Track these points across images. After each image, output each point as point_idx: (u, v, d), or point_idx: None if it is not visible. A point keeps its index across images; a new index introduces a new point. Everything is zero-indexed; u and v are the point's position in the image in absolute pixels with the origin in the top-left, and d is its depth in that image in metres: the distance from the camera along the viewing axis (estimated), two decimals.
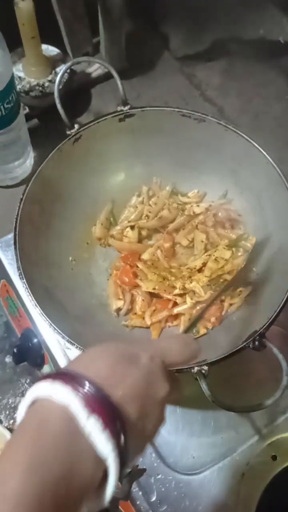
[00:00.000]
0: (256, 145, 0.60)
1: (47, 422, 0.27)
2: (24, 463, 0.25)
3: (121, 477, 0.28)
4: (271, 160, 0.59)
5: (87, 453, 0.27)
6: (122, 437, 0.28)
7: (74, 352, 0.51)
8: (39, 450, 0.26)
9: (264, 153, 0.59)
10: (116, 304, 0.64)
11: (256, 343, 0.51)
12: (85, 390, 0.28)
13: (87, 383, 0.28)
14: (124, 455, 0.28)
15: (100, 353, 0.33)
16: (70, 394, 0.28)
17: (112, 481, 0.28)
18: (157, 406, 0.32)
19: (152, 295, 0.64)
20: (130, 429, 0.29)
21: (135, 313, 0.64)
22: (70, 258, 0.64)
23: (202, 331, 0.61)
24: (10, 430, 0.74)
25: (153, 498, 0.58)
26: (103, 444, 0.27)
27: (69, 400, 0.28)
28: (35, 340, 0.64)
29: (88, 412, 0.27)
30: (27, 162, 0.79)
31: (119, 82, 0.62)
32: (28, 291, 0.53)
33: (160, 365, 0.34)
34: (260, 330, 0.51)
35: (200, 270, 0.63)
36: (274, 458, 0.60)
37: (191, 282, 0.62)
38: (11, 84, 0.64)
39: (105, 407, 0.28)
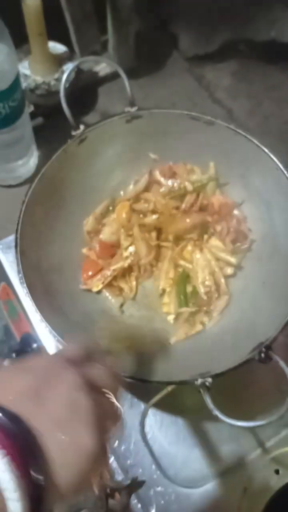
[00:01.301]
0: (265, 150, 0.58)
1: None
2: None
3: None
4: (280, 165, 0.58)
5: None
6: (35, 467, 0.24)
7: None
8: None
9: (273, 158, 0.58)
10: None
11: (262, 355, 0.49)
12: None
13: None
14: (36, 490, 0.24)
15: (19, 371, 0.29)
16: None
17: None
18: (85, 432, 0.27)
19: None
20: (49, 461, 0.24)
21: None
22: (71, 263, 0.63)
23: (198, 327, 0.60)
24: None
25: (152, 511, 0.56)
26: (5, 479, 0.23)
27: None
28: (34, 345, 0.63)
29: None
30: (31, 161, 0.77)
31: (126, 83, 0.61)
32: (28, 296, 0.51)
33: (57, 361, 0.30)
34: (266, 342, 0.50)
35: None
36: (277, 472, 0.59)
37: None
38: (16, 82, 0.63)
39: (15, 437, 0.24)
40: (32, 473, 0.23)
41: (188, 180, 0.65)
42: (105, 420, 0.29)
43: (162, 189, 0.66)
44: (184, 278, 0.63)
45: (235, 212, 0.65)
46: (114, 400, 0.31)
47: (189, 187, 0.64)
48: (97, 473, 0.28)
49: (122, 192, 0.68)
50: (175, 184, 0.65)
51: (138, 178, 0.67)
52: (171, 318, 0.62)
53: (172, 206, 0.64)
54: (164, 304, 0.63)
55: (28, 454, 0.24)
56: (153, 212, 0.64)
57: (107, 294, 0.63)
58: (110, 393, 0.31)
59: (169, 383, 0.50)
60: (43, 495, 0.24)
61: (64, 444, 0.25)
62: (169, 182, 0.66)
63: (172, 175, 0.66)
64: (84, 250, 0.65)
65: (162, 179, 0.66)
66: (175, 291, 0.62)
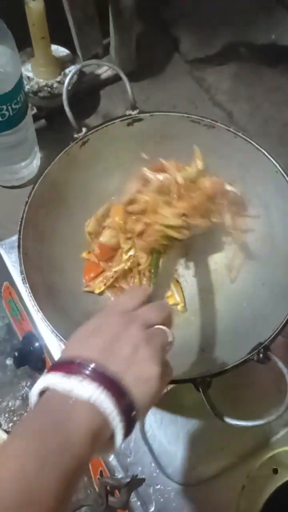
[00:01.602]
0: (265, 152, 0.59)
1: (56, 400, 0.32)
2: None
3: (128, 432, 0.33)
4: (279, 168, 0.58)
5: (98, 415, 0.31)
6: (126, 397, 0.33)
7: None
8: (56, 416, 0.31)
9: (273, 161, 0.59)
10: None
11: (261, 355, 0.50)
12: (86, 370, 0.33)
13: (85, 365, 0.33)
14: (128, 412, 0.32)
15: (90, 333, 0.37)
16: (70, 379, 0.32)
17: (119, 436, 0.32)
18: (147, 364, 0.36)
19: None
20: (130, 390, 0.33)
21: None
22: (73, 263, 0.63)
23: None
24: (9, 432, 0.73)
25: (152, 509, 0.57)
26: (107, 405, 0.31)
27: (71, 385, 0.32)
28: (37, 344, 0.64)
29: (97, 385, 0.32)
30: (34, 163, 0.78)
31: (128, 86, 0.61)
32: (30, 296, 0.52)
33: (119, 313, 0.39)
34: (265, 343, 0.51)
35: None
36: (275, 471, 0.60)
37: None
38: (19, 84, 0.64)
39: (105, 379, 0.33)
40: (123, 401, 0.32)
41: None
42: (161, 347, 0.38)
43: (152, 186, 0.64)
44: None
45: (228, 187, 0.64)
46: (166, 329, 0.40)
47: (180, 179, 0.62)
48: (164, 386, 0.38)
49: (114, 197, 0.68)
50: (165, 178, 0.63)
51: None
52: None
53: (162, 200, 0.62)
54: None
55: (117, 389, 0.32)
56: (144, 212, 0.64)
57: (109, 295, 0.64)
58: (162, 326, 0.40)
59: (169, 382, 0.51)
60: (132, 413, 0.33)
61: (137, 378, 0.34)
62: (160, 177, 0.63)
63: (162, 170, 0.64)
64: (84, 254, 0.65)
65: (150, 175, 0.64)
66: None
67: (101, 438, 0.32)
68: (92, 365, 0.33)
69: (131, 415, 0.33)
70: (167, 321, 0.41)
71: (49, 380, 0.33)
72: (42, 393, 0.33)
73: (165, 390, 0.38)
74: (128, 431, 0.33)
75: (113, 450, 0.34)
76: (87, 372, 0.32)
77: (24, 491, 0.27)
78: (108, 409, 0.31)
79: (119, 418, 0.32)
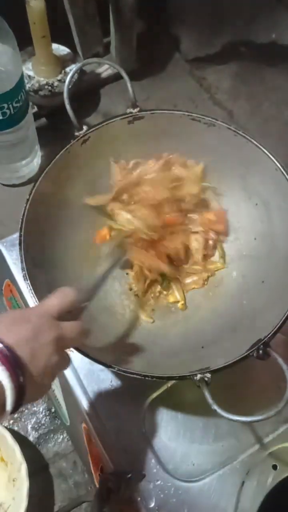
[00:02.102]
0: (265, 151, 0.59)
1: None
2: None
3: (17, 404, 0.37)
4: (279, 166, 0.59)
5: None
6: (18, 372, 0.37)
7: (75, 354, 0.51)
8: None
9: (273, 159, 0.59)
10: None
11: (260, 352, 0.50)
12: None
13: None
14: (20, 386, 0.37)
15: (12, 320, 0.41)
16: None
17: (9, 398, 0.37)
18: (46, 347, 0.40)
19: None
20: (24, 365, 0.38)
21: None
22: (74, 260, 0.64)
23: None
24: (9, 430, 0.74)
25: (152, 505, 0.57)
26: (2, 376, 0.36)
27: None
28: None
29: None
30: (34, 161, 0.78)
31: (129, 84, 0.62)
32: (31, 292, 0.52)
33: (47, 318, 0.43)
34: (265, 339, 0.51)
35: None
36: (274, 467, 0.60)
37: None
38: (20, 83, 0.64)
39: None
40: (18, 375, 0.37)
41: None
42: (58, 361, 0.42)
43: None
44: None
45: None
46: (68, 353, 0.45)
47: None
48: (53, 378, 0.43)
49: None
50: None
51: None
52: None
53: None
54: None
55: (15, 366, 0.37)
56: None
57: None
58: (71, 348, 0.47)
59: (169, 378, 0.51)
60: (23, 388, 0.38)
61: (35, 361, 0.39)
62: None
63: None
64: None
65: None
66: None
67: None
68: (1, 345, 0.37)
69: (19, 380, 0.37)
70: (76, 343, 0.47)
71: None
72: None
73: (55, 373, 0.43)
74: (19, 399, 0.37)
75: (4, 414, 0.38)
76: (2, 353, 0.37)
77: None
78: (4, 380, 0.36)
79: (10, 386, 0.36)
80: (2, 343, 0.38)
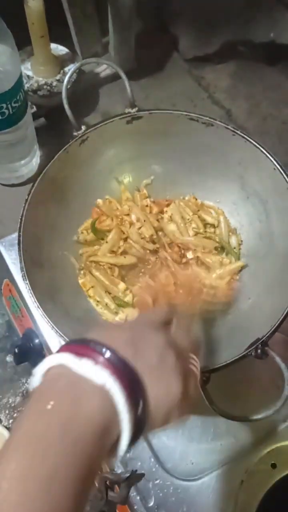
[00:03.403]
0: (263, 150, 0.59)
1: (71, 387, 0.29)
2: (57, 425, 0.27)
3: (134, 439, 0.30)
4: (278, 166, 0.59)
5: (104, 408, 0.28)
6: (140, 400, 0.30)
7: None
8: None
9: (271, 158, 0.59)
10: None
11: (259, 351, 0.51)
12: (103, 355, 0.30)
13: (105, 350, 0.30)
14: (140, 419, 0.30)
15: (117, 328, 0.36)
16: (87, 362, 0.29)
17: (125, 438, 0.29)
18: (172, 377, 0.33)
19: None
20: (145, 394, 0.30)
21: None
22: (73, 260, 0.64)
23: None
24: (10, 429, 0.74)
25: (151, 503, 0.57)
26: (119, 398, 0.28)
27: (83, 367, 0.29)
28: (37, 341, 0.64)
29: (110, 375, 0.29)
30: (33, 161, 0.78)
31: (127, 84, 0.62)
32: (30, 292, 0.52)
33: (148, 322, 0.37)
34: (263, 338, 0.51)
35: None
36: (273, 466, 0.60)
37: None
38: (19, 83, 0.64)
39: (124, 373, 0.30)
40: (137, 399, 0.30)
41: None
42: (187, 373, 0.35)
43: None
44: None
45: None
46: (194, 358, 0.37)
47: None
48: (178, 415, 0.34)
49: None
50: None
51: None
52: None
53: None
54: None
55: (134, 385, 0.30)
56: None
57: None
58: (191, 353, 0.37)
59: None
60: (142, 421, 0.30)
61: (156, 385, 0.31)
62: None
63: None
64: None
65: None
66: None
67: (110, 437, 0.29)
68: (109, 352, 0.30)
69: (140, 421, 0.30)
70: (196, 351, 0.38)
71: (59, 358, 0.30)
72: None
73: (179, 422, 0.34)
74: (134, 438, 0.30)
75: (116, 456, 0.30)
76: (103, 357, 0.29)
77: None
78: (120, 404, 0.28)
79: (128, 417, 0.28)
80: (106, 346, 0.30)
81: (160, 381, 0.31)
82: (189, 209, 0.67)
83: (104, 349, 0.30)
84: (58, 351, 0.31)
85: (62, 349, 0.31)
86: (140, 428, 0.30)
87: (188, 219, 0.66)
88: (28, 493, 0.24)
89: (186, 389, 0.33)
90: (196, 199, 0.69)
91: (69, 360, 0.29)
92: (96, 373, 0.29)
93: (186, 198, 0.69)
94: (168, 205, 0.68)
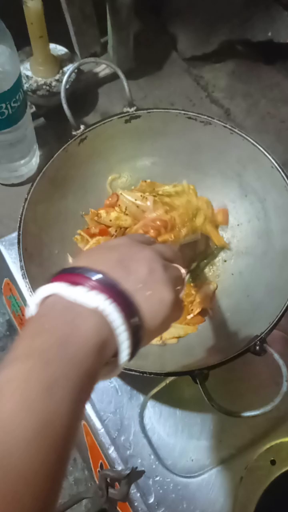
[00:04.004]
0: (261, 148, 0.60)
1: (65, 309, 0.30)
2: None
3: (134, 352, 0.31)
4: (275, 164, 0.59)
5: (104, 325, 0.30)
6: (135, 314, 0.31)
7: None
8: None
9: (269, 156, 0.59)
10: None
11: (257, 348, 0.51)
12: (94, 280, 0.31)
13: (95, 275, 0.31)
14: (136, 331, 0.31)
15: (105, 249, 0.36)
16: (79, 288, 0.30)
17: (124, 350, 0.31)
18: (162, 287, 0.34)
19: None
20: (140, 308, 0.32)
21: None
22: (71, 260, 0.64)
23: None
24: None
25: (151, 500, 0.58)
26: (115, 317, 0.30)
27: (76, 294, 0.30)
28: (29, 298, 0.64)
29: (107, 298, 0.30)
30: (33, 160, 0.79)
31: (125, 83, 0.62)
32: (31, 291, 0.53)
33: (134, 240, 0.37)
34: (261, 335, 0.51)
35: None
36: (272, 462, 0.60)
37: None
38: (18, 83, 0.64)
39: (115, 292, 0.31)
40: (132, 316, 0.31)
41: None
42: (175, 280, 0.36)
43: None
44: None
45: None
46: (179, 266, 0.39)
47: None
48: (173, 319, 0.36)
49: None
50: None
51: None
52: None
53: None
54: None
55: (127, 304, 0.31)
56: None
57: None
58: (175, 263, 0.39)
59: (167, 375, 0.52)
60: (139, 333, 0.31)
61: (150, 298, 0.33)
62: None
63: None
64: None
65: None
66: None
67: (107, 353, 0.30)
68: (100, 276, 0.31)
69: (138, 334, 0.31)
70: (180, 262, 0.40)
71: (52, 288, 0.30)
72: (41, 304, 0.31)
73: (170, 325, 0.36)
74: (133, 351, 0.31)
75: (115, 371, 0.32)
76: (95, 283, 0.30)
77: (34, 423, 0.24)
78: (116, 322, 0.30)
79: (126, 334, 0.30)
80: (96, 271, 0.31)
81: (152, 292, 0.33)
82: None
83: (95, 274, 0.31)
84: (51, 281, 0.31)
85: (55, 278, 0.32)
86: (138, 340, 0.32)
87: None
88: (29, 396, 0.25)
89: (176, 294, 0.35)
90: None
91: (63, 289, 0.30)
92: (89, 297, 0.29)
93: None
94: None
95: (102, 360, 0.29)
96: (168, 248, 0.40)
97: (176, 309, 0.36)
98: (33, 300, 0.31)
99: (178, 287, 0.37)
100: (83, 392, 0.27)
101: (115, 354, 0.31)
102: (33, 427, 0.24)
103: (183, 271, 0.39)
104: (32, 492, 0.23)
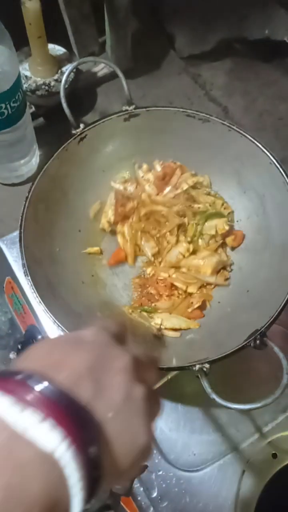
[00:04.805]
0: (259, 145, 0.60)
1: None
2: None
3: (88, 501, 0.23)
4: (274, 160, 0.59)
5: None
6: (100, 469, 0.23)
7: None
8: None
9: (267, 153, 0.60)
10: None
11: (258, 342, 0.51)
12: (52, 400, 0.23)
13: (55, 390, 0.23)
14: (95, 482, 0.23)
15: (75, 347, 0.27)
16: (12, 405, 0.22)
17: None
18: (140, 421, 0.26)
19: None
20: (109, 451, 0.24)
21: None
22: (74, 256, 0.65)
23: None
24: None
25: (154, 494, 0.58)
26: (71, 472, 0.22)
27: (25, 424, 0.22)
28: (39, 337, 0.65)
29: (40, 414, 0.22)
30: (33, 160, 0.79)
31: (124, 82, 0.62)
32: (32, 288, 0.53)
33: (108, 338, 0.29)
34: (262, 329, 0.52)
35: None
36: (274, 456, 0.61)
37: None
38: (17, 83, 0.65)
39: (82, 430, 0.23)
40: (91, 454, 0.23)
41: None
42: (152, 411, 0.28)
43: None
44: None
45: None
46: (155, 388, 0.30)
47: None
48: (143, 463, 0.28)
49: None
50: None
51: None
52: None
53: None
54: None
55: (91, 448, 0.23)
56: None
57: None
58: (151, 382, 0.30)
59: (168, 369, 0.52)
60: (99, 476, 0.23)
61: (121, 434, 0.25)
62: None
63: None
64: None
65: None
66: None
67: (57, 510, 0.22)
68: (62, 393, 0.23)
69: (97, 484, 0.23)
70: (157, 372, 0.32)
71: None
72: None
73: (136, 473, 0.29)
74: (87, 501, 0.23)
75: None
76: (53, 405, 0.22)
77: None
78: (72, 478, 0.22)
79: (82, 493, 0.22)
80: (56, 384, 0.23)
81: (126, 427, 0.25)
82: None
83: (54, 390, 0.23)
84: None
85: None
86: (94, 492, 0.23)
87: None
88: None
89: (152, 431, 0.27)
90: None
91: (7, 410, 0.22)
92: (42, 433, 0.22)
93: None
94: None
95: None
96: (143, 357, 0.30)
97: (149, 450, 0.27)
98: None
99: (154, 418, 0.29)
100: None
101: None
102: None
103: (158, 381, 0.32)
104: None
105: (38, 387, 0.23)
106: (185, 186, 0.66)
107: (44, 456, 0.21)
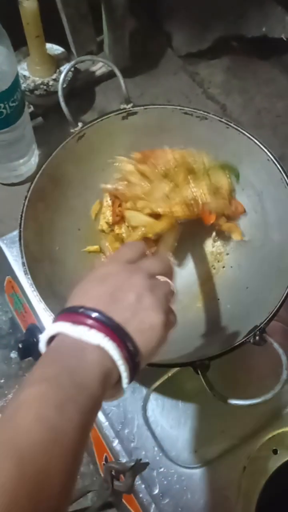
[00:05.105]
0: (257, 142, 0.60)
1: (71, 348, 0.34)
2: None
3: (134, 375, 0.35)
4: (272, 157, 0.60)
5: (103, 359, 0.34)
6: (130, 346, 0.35)
7: None
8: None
9: (265, 150, 0.60)
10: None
11: (257, 338, 0.52)
12: (93, 319, 0.35)
13: (93, 313, 0.35)
14: (133, 359, 0.35)
15: (94, 283, 0.39)
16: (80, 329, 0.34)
17: (125, 378, 0.35)
18: (151, 313, 0.37)
19: None
20: (133, 338, 0.35)
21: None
22: (73, 254, 0.65)
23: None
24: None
25: (156, 491, 0.58)
26: (113, 352, 0.34)
27: (80, 333, 0.34)
28: (40, 336, 0.65)
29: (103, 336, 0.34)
30: (32, 160, 0.79)
31: (122, 81, 0.63)
32: (32, 287, 0.53)
33: (148, 281, 0.39)
34: (261, 325, 0.52)
35: None
36: (275, 452, 0.61)
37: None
38: (16, 83, 0.65)
39: (110, 329, 0.35)
40: (127, 349, 0.35)
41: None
42: (164, 295, 0.39)
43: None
44: None
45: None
46: (168, 280, 0.42)
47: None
48: (167, 335, 0.39)
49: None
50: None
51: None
52: None
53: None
54: None
55: (122, 339, 0.35)
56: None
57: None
58: (164, 277, 0.42)
59: (168, 366, 0.53)
60: (136, 359, 0.35)
61: (140, 326, 0.36)
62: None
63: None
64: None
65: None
66: None
67: (111, 380, 0.34)
68: (97, 315, 0.35)
69: (135, 361, 0.35)
70: (169, 273, 0.43)
71: (59, 327, 0.35)
72: (50, 340, 0.35)
73: (167, 339, 0.39)
74: (132, 375, 0.35)
75: (120, 393, 0.36)
76: (93, 321, 0.34)
77: (47, 437, 0.28)
78: (115, 356, 0.34)
79: (124, 366, 0.34)
80: (93, 310, 0.35)
81: (142, 320, 0.36)
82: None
83: (92, 313, 0.35)
84: (55, 321, 0.36)
85: (59, 317, 0.36)
86: (136, 366, 0.35)
87: None
88: (43, 413, 0.29)
89: (166, 316, 0.38)
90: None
91: (67, 328, 0.34)
92: (91, 336, 0.34)
93: None
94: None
95: (107, 386, 0.34)
96: (157, 263, 0.42)
97: (169, 323, 0.39)
98: (43, 337, 0.36)
99: (168, 302, 0.40)
100: (89, 413, 0.31)
101: (118, 380, 0.35)
102: (44, 439, 0.28)
103: (171, 284, 0.42)
104: (47, 491, 0.27)
105: (94, 314, 0.35)
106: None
107: (95, 346, 0.34)
